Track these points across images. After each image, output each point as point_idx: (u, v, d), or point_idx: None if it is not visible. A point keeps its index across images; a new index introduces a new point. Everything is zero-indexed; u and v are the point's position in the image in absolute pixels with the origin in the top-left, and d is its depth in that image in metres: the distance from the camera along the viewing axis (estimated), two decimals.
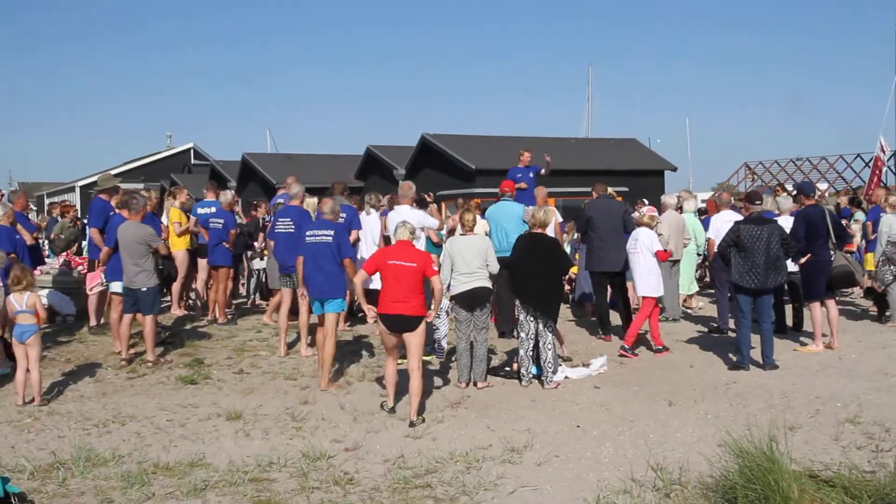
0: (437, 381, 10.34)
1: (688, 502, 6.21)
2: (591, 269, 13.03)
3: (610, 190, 14.12)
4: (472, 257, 9.94)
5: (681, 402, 9.37)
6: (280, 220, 11.69)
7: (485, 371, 10.18)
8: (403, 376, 9.15)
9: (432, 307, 9.19)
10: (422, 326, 8.98)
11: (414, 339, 8.94)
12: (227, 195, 14.60)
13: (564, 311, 12.54)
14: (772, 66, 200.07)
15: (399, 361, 9.25)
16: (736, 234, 10.73)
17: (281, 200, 14.03)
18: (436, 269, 9.35)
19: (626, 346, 11.45)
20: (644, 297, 11.64)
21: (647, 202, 17.33)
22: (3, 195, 14.93)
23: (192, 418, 8.93)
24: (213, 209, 14.16)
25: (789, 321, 13.14)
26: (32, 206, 16.88)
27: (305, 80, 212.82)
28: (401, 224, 9.28)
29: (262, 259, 15.70)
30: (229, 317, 14.14)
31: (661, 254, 11.66)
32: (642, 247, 11.56)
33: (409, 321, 8.85)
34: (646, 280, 11.57)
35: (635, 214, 12.91)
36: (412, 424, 8.65)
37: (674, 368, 11.05)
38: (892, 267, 12.86)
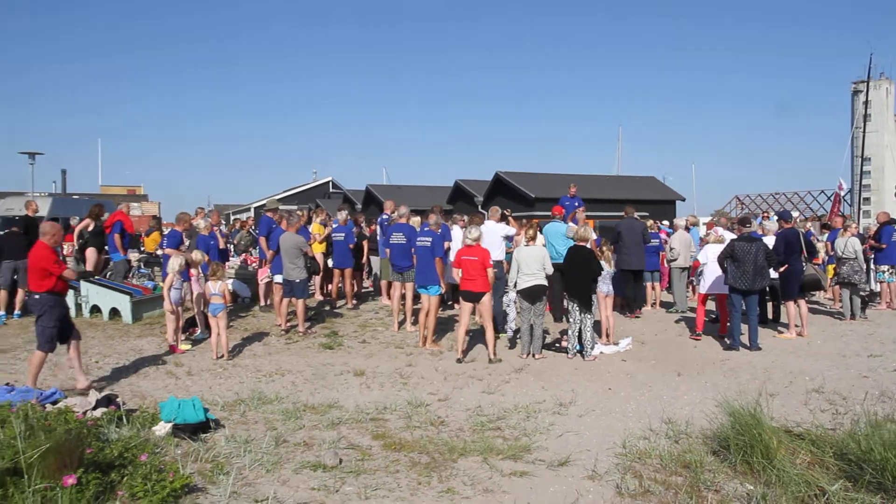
0: (506, 353, 10.33)
1: (692, 448, 6.12)
2: (620, 268, 13.08)
3: (635, 213, 14.19)
4: (532, 262, 9.95)
5: (687, 373, 9.22)
6: (394, 234, 11.76)
7: (541, 346, 10.13)
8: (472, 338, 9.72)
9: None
10: (486, 297, 9.87)
11: (483, 307, 9.91)
12: (342, 214, 14.58)
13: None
14: (756, 126, 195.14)
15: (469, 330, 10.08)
16: (731, 248, 10.55)
17: (387, 216, 14.12)
18: (491, 262, 9.97)
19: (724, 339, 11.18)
20: (718, 294, 11.37)
21: (666, 223, 17.04)
22: (205, 213, 15.38)
23: (330, 373, 9.08)
24: (335, 225, 14.25)
25: (770, 315, 12.79)
26: (222, 221, 17.42)
27: (412, 131, 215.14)
28: (466, 233, 10.14)
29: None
30: (355, 302, 14.31)
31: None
32: (712, 256, 11.32)
33: (476, 295, 9.85)
34: (719, 281, 11.25)
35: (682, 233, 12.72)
36: (491, 361, 9.70)
37: (682, 347, 10.84)
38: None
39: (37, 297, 7.67)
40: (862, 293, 13.18)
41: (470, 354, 10.07)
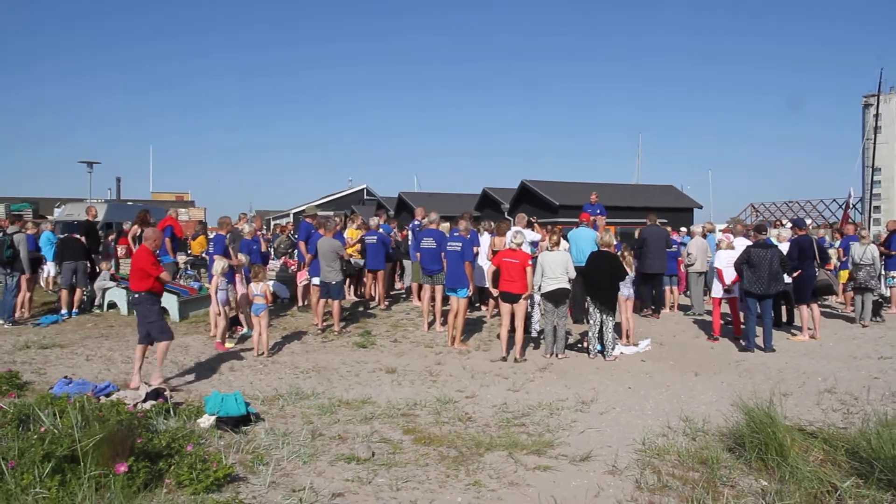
0: (531, 353, 10.24)
1: (708, 445, 6.02)
2: (643, 272, 13.06)
3: (657, 220, 14.24)
4: (556, 266, 9.88)
5: (704, 373, 9.09)
6: (424, 238, 11.72)
7: (564, 346, 10.05)
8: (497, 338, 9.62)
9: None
10: (522, 300, 9.78)
11: (519, 308, 9.84)
12: (373, 220, 14.59)
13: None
14: (772, 137, 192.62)
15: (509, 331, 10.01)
16: (747, 254, 10.42)
17: (418, 222, 14.11)
18: (531, 264, 9.92)
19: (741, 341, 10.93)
20: (730, 298, 11.32)
21: (684, 230, 16.84)
22: (248, 218, 15.53)
23: (363, 371, 9.09)
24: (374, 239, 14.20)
25: (784, 318, 12.58)
26: (264, 226, 17.50)
27: (442, 142, 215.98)
28: (513, 237, 10.04)
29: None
30: (387, 303, 14.32)
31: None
32: (724, 262, 11.17)
33: (514, 296, 9.79)
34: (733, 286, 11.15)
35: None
36: (517, 360, 9.62)
37: (699, 348, 10.70)
38: (853, 282, 12.31)
39: (136, 295, 8.01)
40: (874, 297, 12.90)
41: (496, 353, 10.01)
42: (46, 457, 4.60)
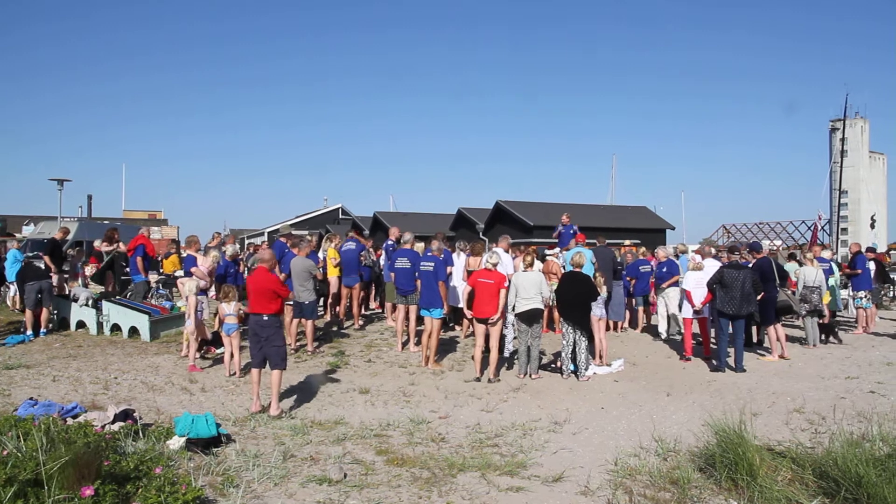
0: (504, 373, 10.26)
1: (680, 465, 6.06)
2: None
3: (606, 241, 14.70)
4: (529, 286, 9.94)
5: (676, 393, 9.17)
6: (399, 258, 11.70)
7: (537, 367, 10.08)
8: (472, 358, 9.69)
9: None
10: (498, 321, 9.76)
11: (494, 329, 9.84)
12: (350, 242, 14.58)
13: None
14: (742, 160, 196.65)
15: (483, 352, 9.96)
16: (720, 275, 10.55)
17: (392, 242, 14.07)
18: (506, 285, 9.86)
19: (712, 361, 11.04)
20: (700, 318, 11.47)
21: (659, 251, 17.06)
22: (221, 238, 15.40)
23: (336, 391, 9.02)
24: (353, 245, 14.08)
25: (755, 338, 12.74)
26: (237, 245, 17.24)
27: (417, 163, 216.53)
28: (488, 258, 10.00)
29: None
30: (361, 323, 14.21)
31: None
32: (692, 283, 11.33)
33: (489, 318, 9.75)
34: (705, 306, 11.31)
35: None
36: (490, 381, 9.59)
37: (671, 369, 10.78)
38: (805, 304, 12.45)
39: (265, 318, 7.87)
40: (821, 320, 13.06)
41: (469, 373, 10.01)
42: (9, 481, 4.49)
